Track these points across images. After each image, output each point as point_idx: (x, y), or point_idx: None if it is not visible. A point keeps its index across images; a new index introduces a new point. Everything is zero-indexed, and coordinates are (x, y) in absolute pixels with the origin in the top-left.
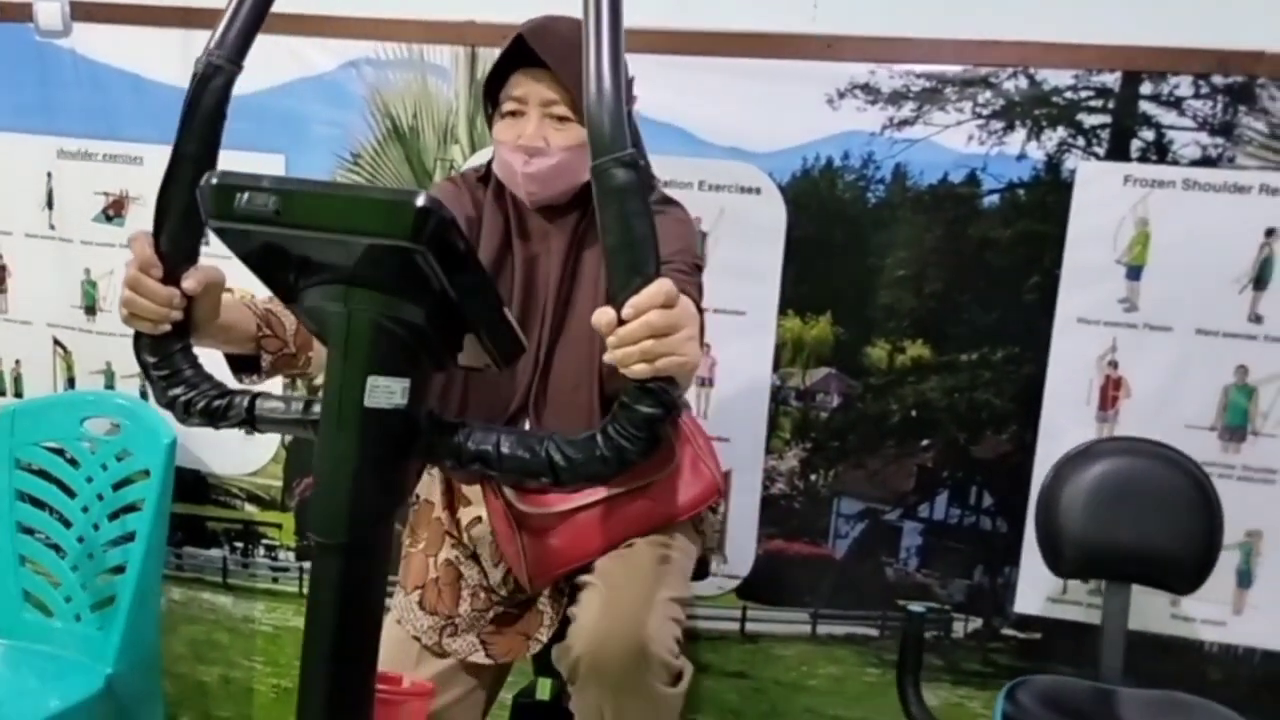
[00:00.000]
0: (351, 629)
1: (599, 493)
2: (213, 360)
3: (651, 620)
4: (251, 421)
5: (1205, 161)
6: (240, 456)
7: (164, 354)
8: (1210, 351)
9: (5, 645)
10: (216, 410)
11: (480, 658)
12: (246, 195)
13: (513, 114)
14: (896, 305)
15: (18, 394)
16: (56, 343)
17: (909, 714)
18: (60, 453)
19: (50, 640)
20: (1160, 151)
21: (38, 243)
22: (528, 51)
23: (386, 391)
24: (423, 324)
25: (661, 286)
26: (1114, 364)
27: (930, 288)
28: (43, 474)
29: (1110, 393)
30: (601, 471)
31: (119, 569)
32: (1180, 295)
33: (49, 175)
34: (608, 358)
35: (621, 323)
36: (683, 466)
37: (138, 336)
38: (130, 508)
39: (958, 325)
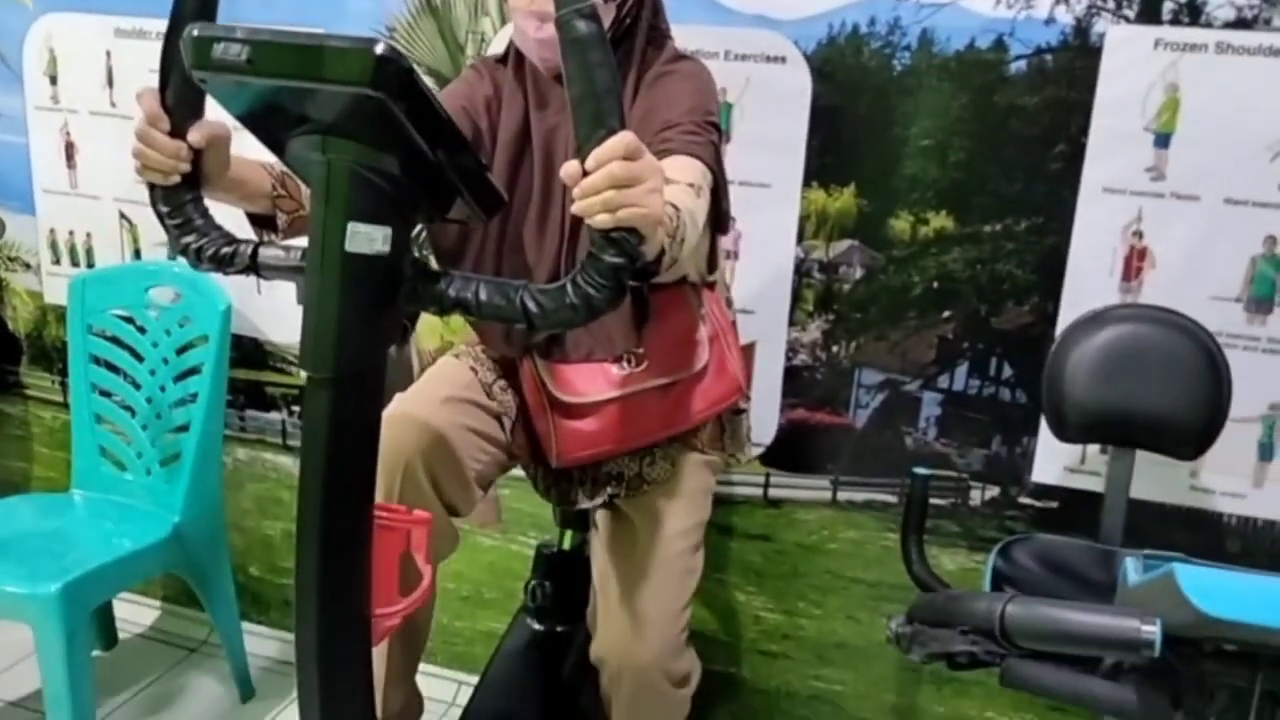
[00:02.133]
0: (343, 459)
1: (628, 385)
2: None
3: (664, 642)
4: (255, 268)
5: (1240, 24)
6: (294, 325)
7: (176, 204)
8: (1238, 221)
9: (83, 495)
10: (224, 257)
11: (507, 427)
12: (222, 46)
13: None
14: (921, 175)
15: (89, 264)
16: (122, 216)
17: (911, 571)
18: (129, 320)
19: (123, 492)
20: (1193, 13)
21: (101, 120)
22: None
23: (367, 238)
24: (399, 174)
25: (623, 139)
26: (1139, 234)
27: (955, 157)
28: (114, 340)
29: (1134, 263)
30: (571, 318)
31: (184, 427)
32: (1209, 164)
33: (108, 54)
34: (573, 209)
35: (586, 175)
36: (710, 366)
37: (151, 188)
38: (192, 371)
39: (982, 195)
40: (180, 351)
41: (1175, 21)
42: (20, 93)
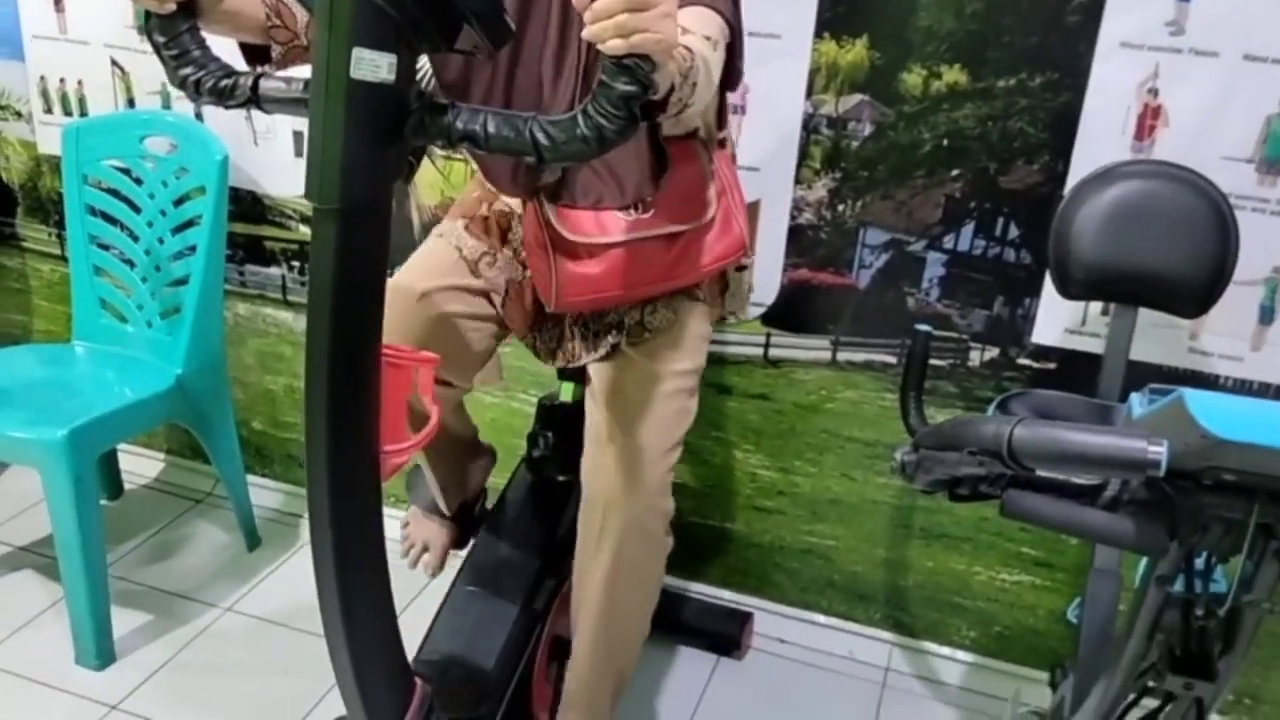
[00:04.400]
0: (351, 293)
1: (635, 230)
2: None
3: (654, 480)
4: (256, 100)
5: None
6: (292, 178)
7: (172, 34)
8: (1256, 79)
9: (85, 346)
10: (224, 90)
11: (497, 302)
12: None
13: None
14: (935, 27)
15: (82, 113)
16: (114, 63)
17: (907, 425)
18: (125, 171)
19: (125, 344)
20: None
21: None
22: None
23: (372, 65)
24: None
25: None
26: (1154, 91)
27: (971, 8)
28: (111, 191)
29: (1148, 121)
30: (583, 150)
31: (184, 280)
32: (1230, 17)
33: None
34: (584, 34)
35: None
36: (716, 220)
37: (147, 16)
38: (191, 223)
39: (997, 49)
40: (178, 203)
41: None
42: None
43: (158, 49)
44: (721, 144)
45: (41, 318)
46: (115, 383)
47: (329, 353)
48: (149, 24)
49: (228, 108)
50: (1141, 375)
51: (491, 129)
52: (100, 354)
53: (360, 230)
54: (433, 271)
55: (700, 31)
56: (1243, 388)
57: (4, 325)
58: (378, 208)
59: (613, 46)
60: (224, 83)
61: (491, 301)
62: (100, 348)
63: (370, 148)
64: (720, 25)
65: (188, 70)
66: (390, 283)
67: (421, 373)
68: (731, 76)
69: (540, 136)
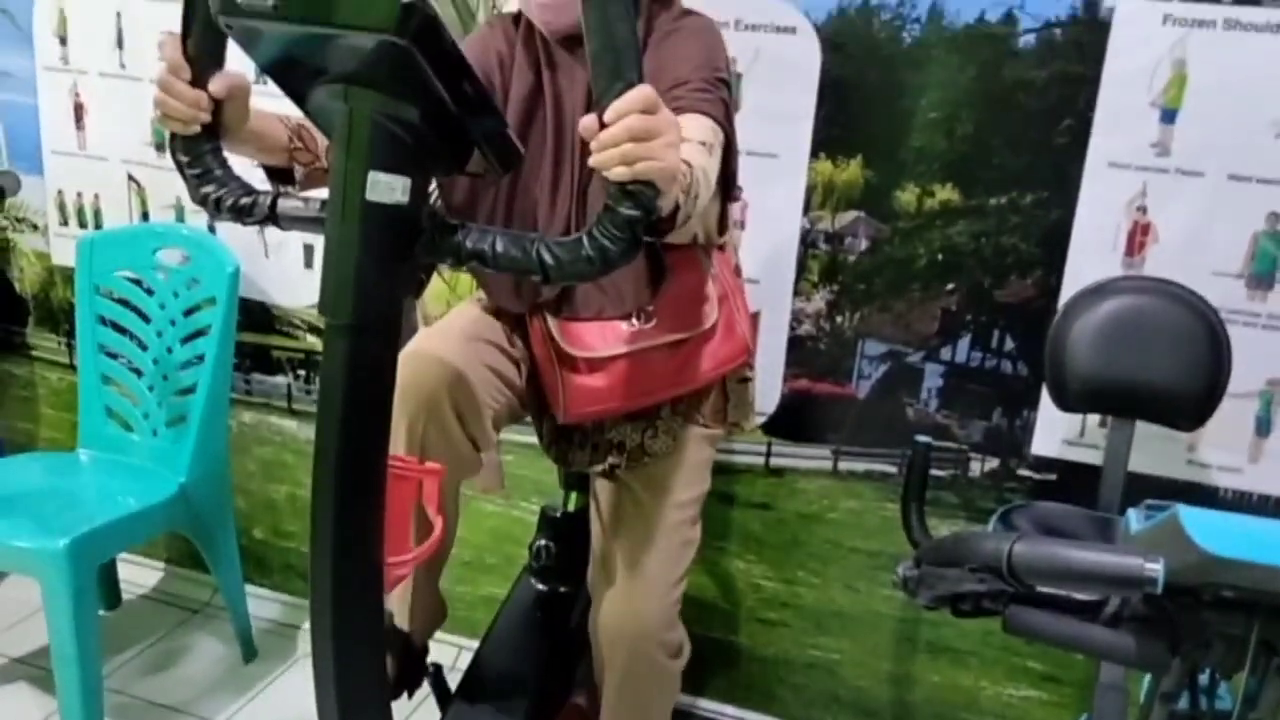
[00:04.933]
0: (360, 406)
1: (638, 340)
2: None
3: (658, 613)
4: (274, 218)
5: (1248, 0)
6: (302, 289)
7: (195, 154)
8: (1242, 197)
9: (90, 454)
10: (243, 207)
11: (524, 372)
12: None
13: None
14: (927, 148)
15: (97, 226)
16: (131, 178)
17: (910, 538)
18: (137, 282)
19: (130, 452)
20: None
21: (110, 81)
22: None
23: (387, 187)
24: (419, 124)
25: (641, 92)
26: (1143, 209)
27: (962, 130)
28: (122, 301)
29: (1138, 238)
30: (587, 270)
31: (190, 389)
32: (1214, 140)
33: (118, 15)
34: (591, 161)
35: (604, 127)
36: (718, 326)
37: (172, 137)
38: (200, 333)
39: (988, 169)
40: (188, 313)
41: None
42: (30, 53)
43: (181, 167)
44: (723, 249)
45: (47, 425)
46: (118, 491)
47: (337, 463)
48: (173, 143)
49: (246, 224)
50: (1142, 487)
51: (499, 249)
52: (104, 462)
53: (371, 345)
54: (471, 323)
55: (696, 138)
56: (1243, 499)
57: (10, 433)
58: (388, 323)
59: (618, 174)
60: (243, 201)
61: (520, 371)
62: (105, 456)
63: (383, 266)
64: (714, 129)
65: (209, 188)
66: (421, 336)
67: (426, 484)
68: (729, 182)
69: (546, 257)
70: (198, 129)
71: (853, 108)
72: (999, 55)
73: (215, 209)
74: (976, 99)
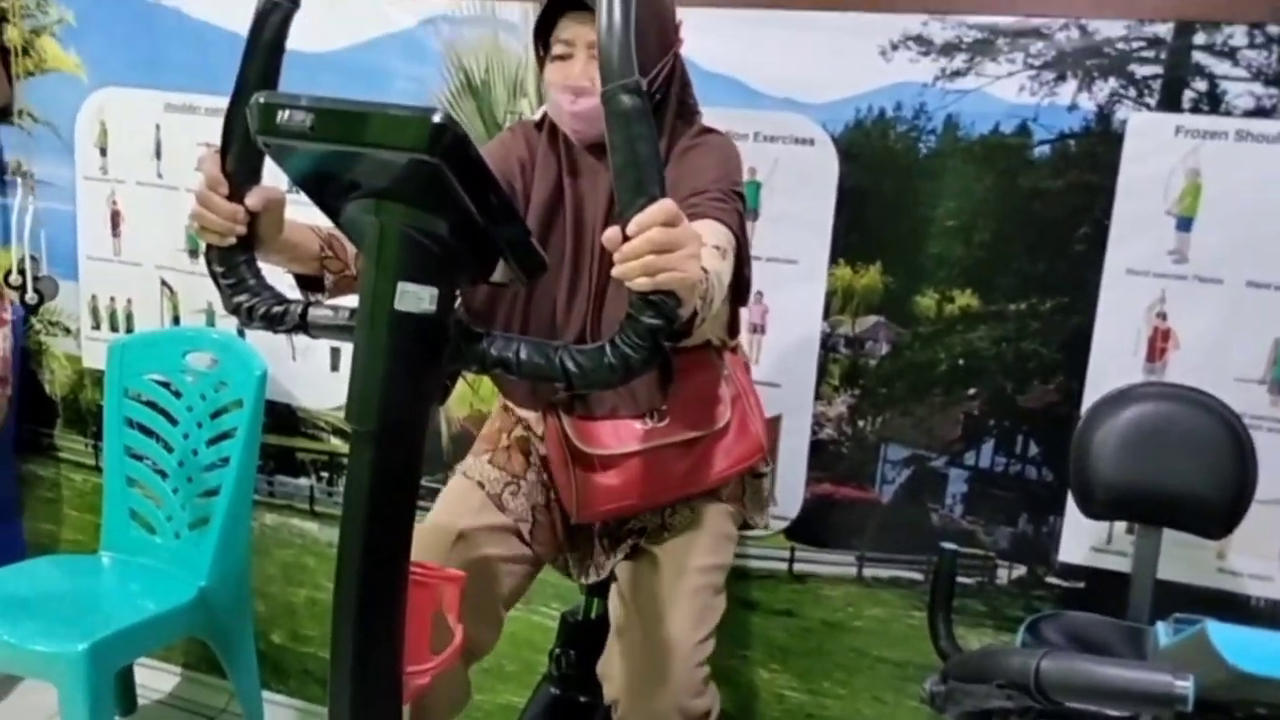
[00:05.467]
0: (384, 512)
1: (652, 439)
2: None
3: (682, 676)
4: (304, 327)
5: (1259, 112)
6: (326, 391)
7: (230, 265)
8: (1261, 304)
9: (112, 557)
10: (275, 316)
11: (525, 532)
12: (287, 113)
13: (561, 57)
14: (946, 255)
15: (128, 329)
16: (163, 283)
17: (938, 647)
18: (165, 384)
19: (151, 554)
20: (1213, 102)
21: (147, 190)
22: None
23: (415, 297)
24: (447, 236)
25: (663, 206)
26: (1163, 315)
27: (980, 237)
28: (149, 404)
29: (1158, 344)
30: (609, 378)
31: (214, 491)
32: (1231, 247)
33: (157, 127)
34: (614, 272)
35: (627, 239)
36: (731, 425)
37: (208, 248)
38: (226, 435)
39: (1006, 275)
40: (215, 416)
41: (1195, 110)
42: (71, 163)
43: (215, 277)
44: (735, 350)
45: (70, 527)
46: (138, 595)
47: (360, 569)
48: (209, 254)
49: (277, 332)
50: (1171, 595)
51: (523, 356)
52: (126, 564)
53: (396, 451)
54: (463, 511)
55: (710, 242)
56: (1275, 609)
57: (33, 534)
58: (414, 430)
59: (640, 285)
60: (275, 310)
61: (522, 538)
62: (127, 558)
63: (410, 374)
64: (726, 234)
65: (242, 298)
66: (423, 525)
67: (446, 591)
68: (741, 287)
69: (570, 365)
70: (233, 240)
71: (871, 215)
72: (1015, 165)
73: (248, 318)
74: (993, 207)
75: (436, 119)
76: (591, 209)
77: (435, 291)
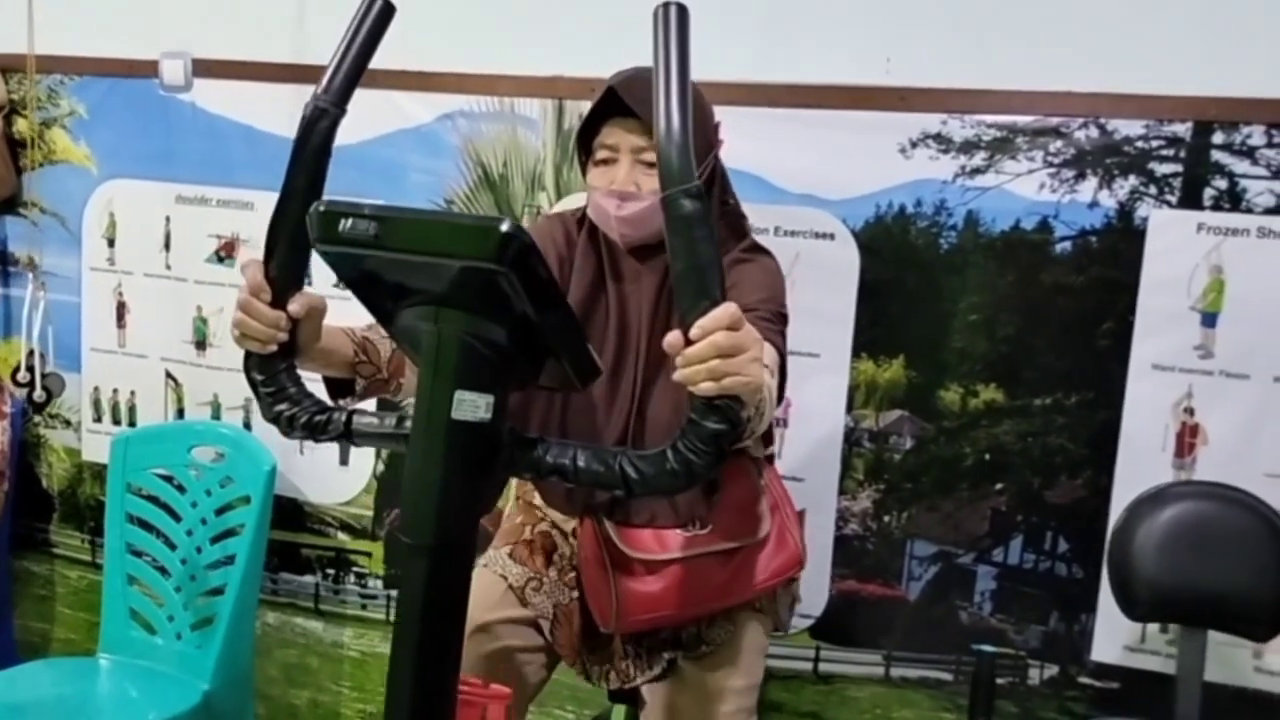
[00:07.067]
0: (436, 627)
1: (693, 546)
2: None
3: None
4: (349, 435)
5: None
6: (335, 486)
7: (270, 373)
8: None
9: (111, 660)
10: (317, 425)
11: (546, 629)
12: (350, 221)
13: (605, 161)
14: (969, 349)
15: (131, 423)
16: (169, 375)
17: None
18: (169, 479)
19: (153, 657)
20: (1233, 200)
21: (155, 282)
22: (618, 102)
23: (472, 406)
24: (506, 343)
25: (727, 309)
26: (1190, 410)
27: (1003, 332)
28: (152, 499)
29: (1187, 439)
30: (671, 484)
31: (219, 590)
32: (1257, 343)
33: (167, 219)
34: (676, 376)
35: (689, 343)
36: (771, 536)
37: (247, 355)
38: (231, 532)
39: (1031, 370)
40: (220, 512)
41: (1216, 207)
42: (77, 254)
43: (254, 385)
44: (770, 460)
45: (64, 626)
46: (139, 703)
47: (412, 687)
48: (248, 362)
49: (319, 441)
50: (1209, 696)
51: (581, 463)
52: (126, 668)
53: (449, 564)
54: (483, 604)
55: (763, 361)
56: None
57: (25, 634)
58: (467, 542)
59: (705, 389)
60: (317, 418)
61: (540, 630)
62: (127, 661)
63: (465, 484)
64: (774, 355)
65: (282, 406)
66: None
67: (491, 710)
68: (778, 398)
69: (630, 471)
70: (274, 348)
71: (893, 309)
72: (1036, 261)
73: (289, 426)
74: (1016, 301)
75: (505, 228)
76: (635, 312)
77: (491, 399)
